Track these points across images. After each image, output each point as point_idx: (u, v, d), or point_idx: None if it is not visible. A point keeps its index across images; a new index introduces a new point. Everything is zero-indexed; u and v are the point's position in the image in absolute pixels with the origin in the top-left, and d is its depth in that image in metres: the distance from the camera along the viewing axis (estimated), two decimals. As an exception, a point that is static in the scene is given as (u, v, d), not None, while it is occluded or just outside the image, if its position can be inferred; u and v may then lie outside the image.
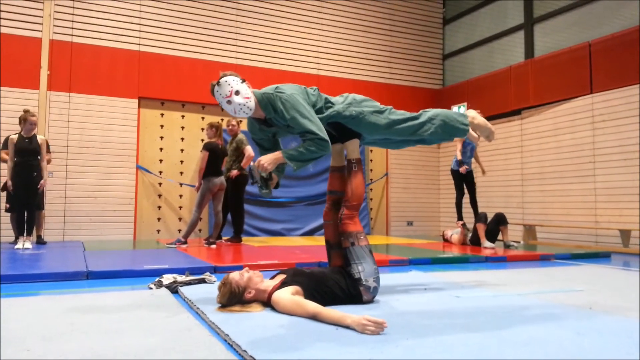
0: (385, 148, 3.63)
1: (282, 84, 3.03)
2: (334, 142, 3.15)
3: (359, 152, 3.18)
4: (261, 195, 3.26)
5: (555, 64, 8.76)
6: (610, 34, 7.94)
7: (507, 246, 6.77)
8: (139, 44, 8.83)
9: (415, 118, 3.20)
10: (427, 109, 3.33)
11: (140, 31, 8.85)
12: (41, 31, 8.12)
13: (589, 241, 7.98)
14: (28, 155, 6.20)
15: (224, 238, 7.42)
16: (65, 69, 8.27)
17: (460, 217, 7.42)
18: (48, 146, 6.65)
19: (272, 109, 2.91)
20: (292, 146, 2.94)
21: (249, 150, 7.02)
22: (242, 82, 2.92)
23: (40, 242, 6.79)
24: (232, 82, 2.88)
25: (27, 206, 6.23)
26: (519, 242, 8.37)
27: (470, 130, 3.47)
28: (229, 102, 2.88)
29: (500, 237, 7.01)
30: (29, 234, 6.30)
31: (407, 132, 3.18)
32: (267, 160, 2.83)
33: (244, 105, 2.87)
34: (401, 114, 3.19)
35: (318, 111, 2.99)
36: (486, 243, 6.67)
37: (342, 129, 3.10)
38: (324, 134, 2.83)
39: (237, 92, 2.87)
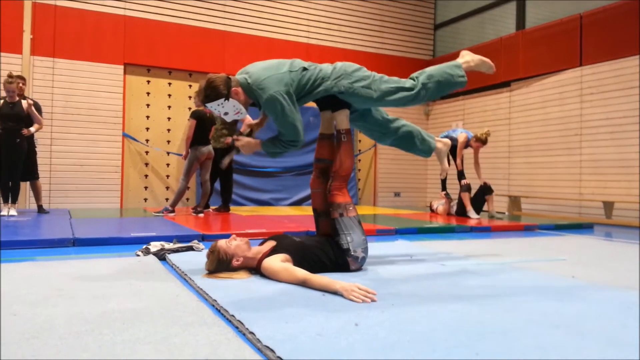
0: (369, 137, 3.57)
1: (263, 68, 2.91)
2: (324, 109, 3.12)
3: (348, 123, 3.13)
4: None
5: (545, 36, 8.72)
6: (601, 6, 7.89)
7: (491, 217, 6.85)
8: (125, 8, 8.62)
9: (409, 89, 3.11)
10: (419, 72, 3.20)
11: (125, -5, 8.64)
12: (23, -7, 7.89)
13: (573, 212, 8.10)
14: (11, 121, 6.09)
15: (212, 207, 7.42)
16: (49, 33, 8.06)
17: (444, 188, 7.47)
18: (37, 110, 6.44)
19: (254, 97, 2.92)
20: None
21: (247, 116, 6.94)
22: (225, 100, 2.85)
23: (41, 211, 6.59)
24: (217, 108, 2.89)
25: (12, 173, 6.15)
26: (504, 212, 8.47)
27: (444, 164, 3.68)
28: (226, 115, 2.96)
29: (485, 207, 7.08)
30: (14, 201, 6.24)
31: (400, 103, 3.13)
32: (247, 147, 3.02)
33: (237, 116, 2.98)
34: (394, 82, 3.09)
35: (305, 92, 2.94)
36: (472, 213, 6.75)
37: (331, 97, 3.05)
38: (296, 135, 2.92)
39: (225, 114, 2.93)
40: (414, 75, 3.20)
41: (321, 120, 3.15)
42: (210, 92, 2.84)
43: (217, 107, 2.88)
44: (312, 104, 3.11)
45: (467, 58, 3.29)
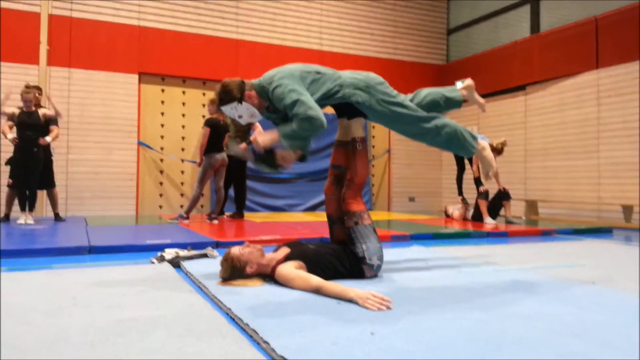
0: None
1: (276, 69, 2.94)
2: (342, 116, 3.09)
3: (363, 131, 3.10)
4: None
5: (561, 39, 8.63)
6: (617, 8, 7.79)
7: (509, 222, 6.76)
8: (139, 19, 8.71)
9: (426, 120, 3.07)
10: (440, 116, 3.17)
11: (140, 5, 8.72)
12: (40, 6, 8.00)
13: (591, 217, 7.97)
14: (28, 130, 6.17)
15: (227, 214, 7.42)
16: (65, 44, 8.17)
17: (460, 192, 7.40)
18: (53, 120, 6.54)
19: (267, 97, 2.90)
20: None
21: (257, 125, 6.97)
22: (238, 103, 2.87)
23: (58, 219, 6.63)
24: (230, 111, 2.91)
25: (29, 181, 6.22)
26: (521, 217, 8.37)
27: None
28: (240, 117, 2.95)
29: (502, 212, 7.00)
30: (31, 209, 6.30)
31: (410, 132, 3.14)
32: (262, 139, 2.82)
33: (251, 119, 2.96)
34: (413, 109, 3.05)
35: (321, 94, 2.90)
36: (488, 219, 6.67)
37: (349, 104, 3.01)
38: (315, 110, 2.72)
39: (240, 117, 2.93)
40: (435, 113, 3.18)
41: (339, 127, 3.13)
42: (224, 96, 2.88)
43: (230, 111, 2.91)
44: (325, 110, 3.09)
45: (484, 144, 3.38)
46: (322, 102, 2.96)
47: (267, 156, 2.93)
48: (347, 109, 3.04)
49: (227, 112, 2.94)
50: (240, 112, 2.91)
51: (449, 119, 3.22)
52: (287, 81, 2.80)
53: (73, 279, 2.87)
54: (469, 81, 3.41)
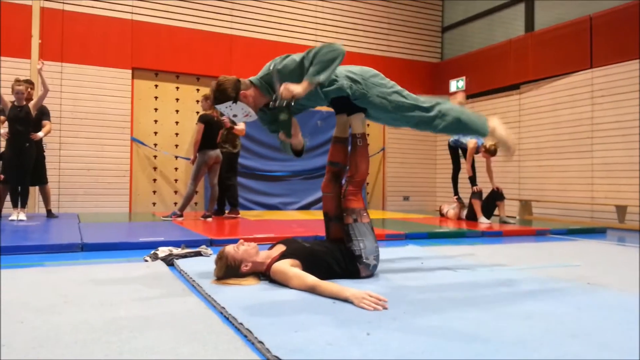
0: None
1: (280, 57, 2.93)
2: (340, 112, 3.06)
3: (364, 127, 3.06)
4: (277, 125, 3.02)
5: (555, 38, 8.64)
6: (611, 7, 7.81)
7: (503, 221, 6.77)
8: (132, 13, 8.64)
9: (427, 110, 3.02)
10: (443, 102, 3.10)
11: None
12: (32, -1, 7.94)
13: (585, 217, 8.00)
14: (19, 125, 6.10)
15: (227, 212, 7.34)
16: (57, 38, 8.09)
17: (456, 192, 7.39)
18: (45, 114, 6.49)
19: (269, 86, 2.85)
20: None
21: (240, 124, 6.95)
22: (233, 103, 2.83)
23: (50, 216, 6.60)
24: (225, 110, 2.87)
25: (21, 177, 6.15)
26: (515, 217, 8.38)
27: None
28: (235, 116, 2.92)
29: (496, 212, 7.00)
30: (23, 206, 6.24)
31: (412, 122, 3.06)
32: (295, 86, 2.65)
33: (246, 118, 2.94)
34: (413, 99, 3.01)
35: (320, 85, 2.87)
36: (482, 219, 6.67)
37: (347, 101, 2.99)
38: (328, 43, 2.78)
39: (234, 116, 2.91)
40: (436, 101, 3.11)
41: (337, 124, 3.11)
42: (219, 95, 2.84)
43: (225, 109, 2.88)
44: (319, 108, 3.05)
45: (496, 123, 3.25)
46: (318, 95, 2.93)
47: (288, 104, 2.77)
48: (345, 105, 3.01)
49: (222, 111, 2.92)
50: (235, 111, 2.88)
51: (452, 104, 3.17)
52: (291, 56, 2.82)
53: (65, 276, 2.84)
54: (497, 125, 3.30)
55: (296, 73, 2.76)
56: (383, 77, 3.03)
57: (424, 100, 3.05)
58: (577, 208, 8.14)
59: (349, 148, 3.07)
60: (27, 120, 6.16)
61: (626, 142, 7.44)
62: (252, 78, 2.92)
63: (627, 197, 7.35)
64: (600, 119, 7.86)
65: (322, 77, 2.69)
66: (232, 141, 7.19)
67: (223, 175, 7.01)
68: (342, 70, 2.97)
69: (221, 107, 2.88)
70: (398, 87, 3.04)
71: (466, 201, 7.21)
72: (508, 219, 6.91)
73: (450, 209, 7.43)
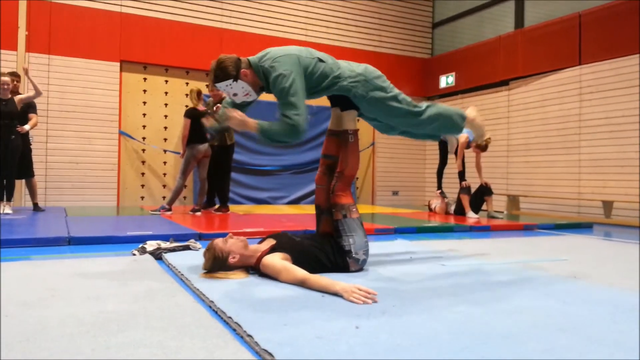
0: (375, 128, 3.48)
1: (281, 48, 2.89)
2: (335, 106, 3.05)
3: (356, 124, 3.05)
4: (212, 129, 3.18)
5: (544, 35, 8.69)
6: (600, 5, 7.86)
7: (490, 216, 6.81)
8: (121, 5, 8.55)
9: (417, 114, 3.06)
10: (431, 105, 3.15)
11: (122, -8, 8.57)
12: (18, -11, 7.82)
13: (572, 212, 8.07)
14: (4, 118, 6.01)
15: (216, 206, 7.29)
16: (44, 29, 7.99)
17: (439, 186, 7.42)
18: (32, 107, 6.42)
19: (265, 80, 2.85)
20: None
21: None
22: (233, 81, 2.80)
23: (37, 209, 6.53)
24: (225, 88, 2.85)
25: (6, 170, 6.08)
26: (503, 212, 8.44)
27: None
28: (235, 96, 2.90)
29: (484, 207, 7.04)
30: (9, 199, 6.17)
31: (403, 125, 3.14)
32: (237, 121, 2.74)
33: (246, 98, 2.91)
34: (407, 104, 3.04)
35: (319, 86, 2.87)
36: (470, 213, 6.70)
37: (343, 95, 2.98)
38: (302, 117, 2.71)
39: (234, 95, 2.88)
40: (426, 105, 3.15)
41: (331, 117, 3.10)
42: (219, 73, 2.80)
43: (225, 88, 2.85)
44: (308, 102, 3.05)
45: (474, 114, 3.35)
46: (318, 93, 2.93)
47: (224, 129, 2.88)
48: (341, 99, 3.00)
49: (222, 89, 2.88)
50: (236, 90, 2.85)
51: (440, 105, 3.22)
52: (287, 67, 2.76)
53: (52, 270, 2.81)
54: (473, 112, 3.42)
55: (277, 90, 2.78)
56: (385, 80, 3.02)
57: (417, 105, 3.09)
58: (564, 203, 8.22)
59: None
60: (12, 113, 6.08)
61: (613, 138, 7.51)
62: (250, 58, 2.89)
63: (613, 193, 7.43)
64: (588, 116, 7.92)
65: (262, 139, 2.76)
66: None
67: (217, 170, 6.94)
68: (346, 67, 2.96)
69: (221, 86, 2.84)
70: (396, 91, 3.04)
71: (452, 196, 7.24)
72: (496, 214, 6.95)
73: (438, 204, 7.46)
